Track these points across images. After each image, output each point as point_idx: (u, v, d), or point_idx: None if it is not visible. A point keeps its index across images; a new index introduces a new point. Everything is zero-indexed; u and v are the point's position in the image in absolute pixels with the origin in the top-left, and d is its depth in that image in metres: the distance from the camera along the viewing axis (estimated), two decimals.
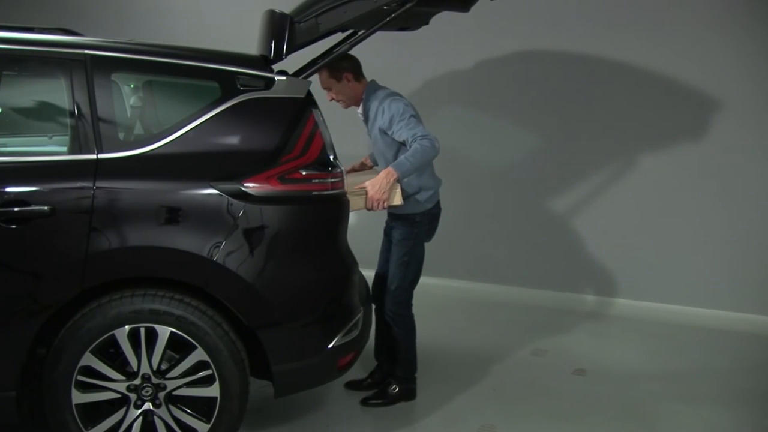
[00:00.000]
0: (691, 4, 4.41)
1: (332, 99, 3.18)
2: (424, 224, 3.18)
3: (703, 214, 4.56)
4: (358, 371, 3.36)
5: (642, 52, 4.53)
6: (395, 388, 3.26)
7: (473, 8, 3.09)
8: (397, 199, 2.87)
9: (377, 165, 3.50)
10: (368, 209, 2.84)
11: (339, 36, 3.13)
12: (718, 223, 4.52)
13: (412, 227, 3.14)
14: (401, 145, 3.05)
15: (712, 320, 4.52)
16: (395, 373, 3.29)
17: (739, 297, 4.52)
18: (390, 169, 2.85)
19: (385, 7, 2.65)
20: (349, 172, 3.46)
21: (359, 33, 2.87)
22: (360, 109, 3.20)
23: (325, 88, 3.13)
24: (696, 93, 4.48)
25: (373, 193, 2.82)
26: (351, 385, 3.39)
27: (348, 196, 2.74)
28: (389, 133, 3.03)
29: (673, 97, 4.51)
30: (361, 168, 3.55)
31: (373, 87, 3.16)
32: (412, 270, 3.18)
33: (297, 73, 2.70)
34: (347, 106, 3.21)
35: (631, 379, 3.64)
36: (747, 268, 4.49)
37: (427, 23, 3.40)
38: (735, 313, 4.52)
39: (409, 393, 3.28)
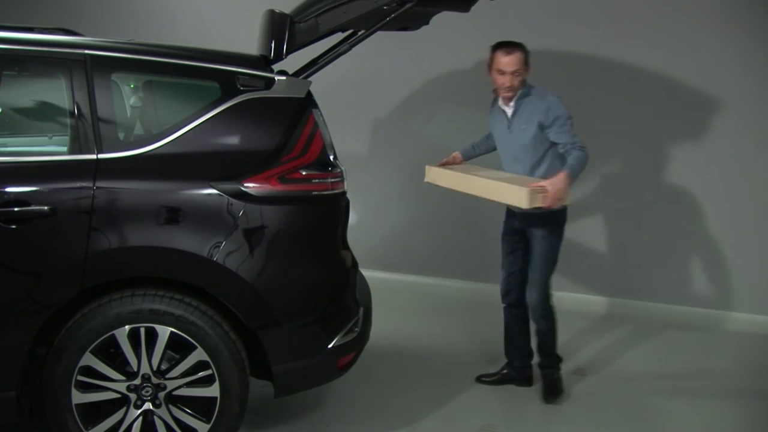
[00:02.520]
0: (691, 5, 4.41)
1: (509, 86, 3.16)
2: (564, 220, 3.31)
3: (703, 214, 4.56)
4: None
5: (642, 52, 4.53)
6: (556, 376, 3.41)
7: (473, 8, 3.09)
8: (568, 199, 3.05)
9: (466, 159, 3.61)
10: (547, 207, 2.97)
11: (339, 36, 3.12)
12: (719, 222, 4.52)
13: (558, 224, 3.28)
14: (551, 145, 3.16)
15: (713, 320, 4.52)
16: (551, 363, 3.42)
17: (739, 297, 4.52)
18: (567, 172, 2.98)
19: (385, 7, 2.65)
20: (441, 165, 3.52)
21: (359, 33, 2.87)
22: (510, 102, 3.22)
23: (512, 73, 3.13)
24: (697, 93, 4.48)
25: (554, 192, 2.93)
26: (482, 379, 3.55)
27: (530, 192, 2.88)
28: (546, 130, 3.13)
29: (674, 98, 4.51)
30: (453, 162, 3.59)
31: (528, 83, 3.23)
32: (555, 264, 3.33)
33: (297, 73, 2.70)
34: (513, 95, 3.20)
35: (631, 379, 3.64)
36: (747, 267, 4.48)
37: (427, 23, 3.40)
38: (735, 313, 4.52)
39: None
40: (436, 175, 3.49)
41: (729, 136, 4.44)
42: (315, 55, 2.84)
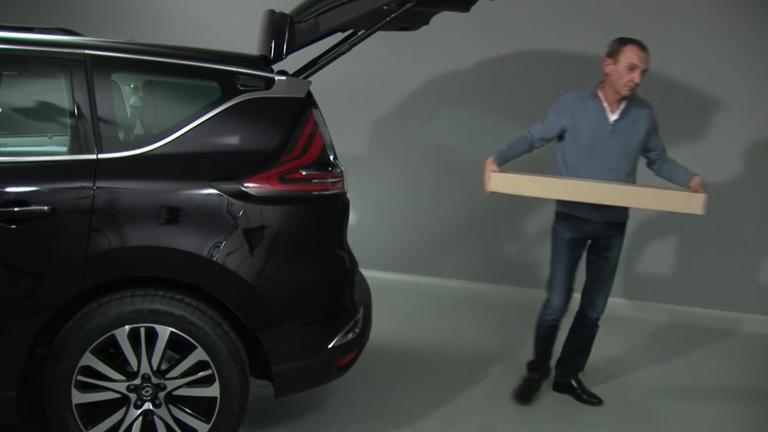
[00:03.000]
0: (690, 6, 4.42)
1: (637, 83, 3.04)
2: None
3: (703, 215, 4.55)
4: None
5: None
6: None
7: (473, 8, 3.09)
8: None
9: (503, 163, 3.23)
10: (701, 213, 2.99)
11: (339, 36, 3.12)
12: (718, 222, 4.52)
13: (624, 233, 3.30)
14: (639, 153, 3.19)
15: (713, 320, 4.52)
16: (582, 370, 3.47)
17: (739, 297, 4.53)
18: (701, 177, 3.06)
19: (385, 7, 2.65)
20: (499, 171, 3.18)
21: (359, 33, 2.87)
22: (620, 105, 3.12)
23: (642, 71, 3.04)
24: (696, 93, 4.48)
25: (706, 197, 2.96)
26: (520, 397, 3.39)
27: (706, 199, 2.93)
28: (648, 137, 3.16)
29: (673, 98, 4.51)
30: (491, 169, 3.19)
31: None
32: None
33: (297, 73, 2.70)
34: (629, 96, 3.11)
35: (631, 379, 3.64)
36: (747, 267, 4.49)
37: (427, 23, 3.40)
38: (735, 313, 4.53)
39: None
40: (509, 183, 3.13)
41: (729, 135, 4.44)
42: (315, 55, 2.85)
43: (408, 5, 2.66)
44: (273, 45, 2.63)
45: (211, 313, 2.45)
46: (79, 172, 2.37)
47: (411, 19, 3.23)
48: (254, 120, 2.56)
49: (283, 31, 2.62)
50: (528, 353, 3.98)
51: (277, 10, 2.68)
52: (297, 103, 2.61)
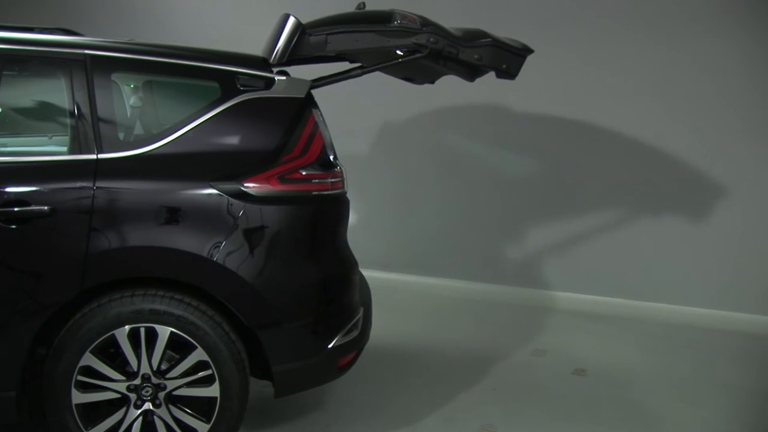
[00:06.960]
0: (693, 11, 4.42)
1: None
2: None
3: (703, 215, 4.56)
4: None
5: (643, 57, 4.54)
6: None
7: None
8: None
9: None
10: None
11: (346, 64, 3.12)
12: (718, 223, 4.53)
13: None
14: None
15: (712, 320, 4.52)
16: None
17: (739, 297, 4.53)
18: None
19: (396, 51, 2.67)
20: None
21: (366, 66, 2.86)
22: None
23: None
24: (696, 96, 4.48)
25: None
26: None
27: None
28: None
29: (674, 100, 4.52)
30: None
31: None
32: None
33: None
34: None
35: (631, 379, 3.64)
36: (747, 268, 4.49)
37: (432, 83, 3.39)
38: (735, 313, 4.53)
39: None
40: None
41: (728, 137, 4.44)
42: (324, 74, 2.85)
43: (417, 56, 2.68)
44: (276, 48, 2.64)
45: (211, 313, 2.45)
46: (79, 172, 2.37)
47: (417, 72, 3.23)
48: (254, 120, 2.56)
49: (290, 37, 2.63)
50: (527, 352, 3.98)
51: (293, 16, 2.68)
52: (297, 103, 2.61)
